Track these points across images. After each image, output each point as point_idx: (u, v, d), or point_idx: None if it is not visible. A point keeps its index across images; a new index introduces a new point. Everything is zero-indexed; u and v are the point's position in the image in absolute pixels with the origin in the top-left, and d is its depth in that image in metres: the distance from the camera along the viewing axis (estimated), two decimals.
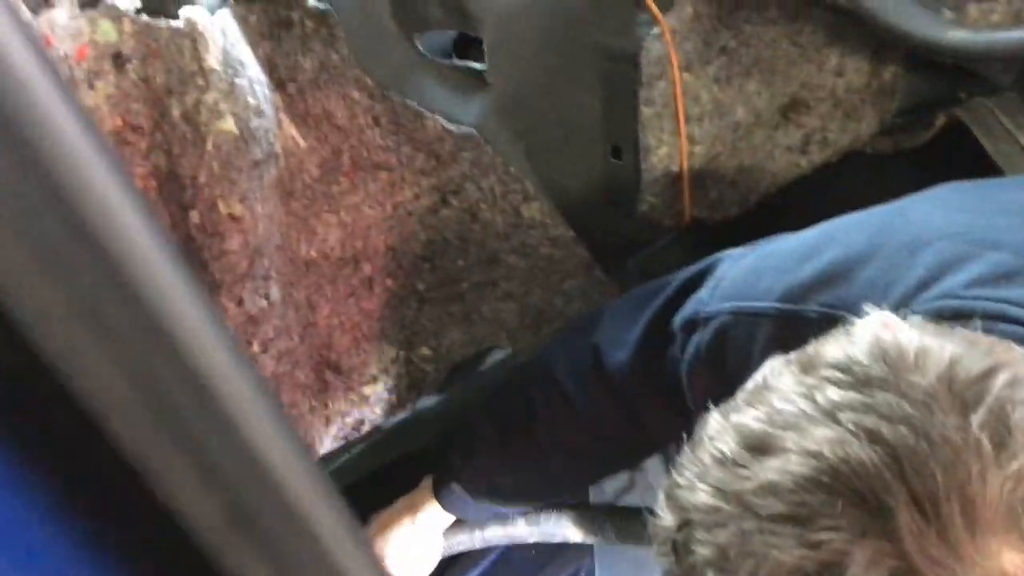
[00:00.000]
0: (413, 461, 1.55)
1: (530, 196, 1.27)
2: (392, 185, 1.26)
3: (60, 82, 0.24)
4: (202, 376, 0.27)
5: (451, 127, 1.16)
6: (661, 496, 0.62)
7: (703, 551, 0.57)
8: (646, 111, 1.37)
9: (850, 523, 0.53)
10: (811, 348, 0.62)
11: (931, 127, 1.83)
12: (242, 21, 1.02)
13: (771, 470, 0.55)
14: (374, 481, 1.53)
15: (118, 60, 0.92)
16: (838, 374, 0.58)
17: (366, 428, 1.30)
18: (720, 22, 1.39)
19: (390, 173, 1.24)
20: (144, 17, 0.91)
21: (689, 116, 1.44)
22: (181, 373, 0.26)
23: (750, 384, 0.63)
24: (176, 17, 0.91)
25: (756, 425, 0.58)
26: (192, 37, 0.91)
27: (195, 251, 1.02)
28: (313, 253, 1.23)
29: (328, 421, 1.25)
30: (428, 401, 1.54)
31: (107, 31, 0.90)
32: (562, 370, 1.11)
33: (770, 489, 0.55)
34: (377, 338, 1.32)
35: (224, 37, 0.94)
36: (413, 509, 1.27)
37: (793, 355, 0.63)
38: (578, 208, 1.50)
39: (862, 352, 0.58)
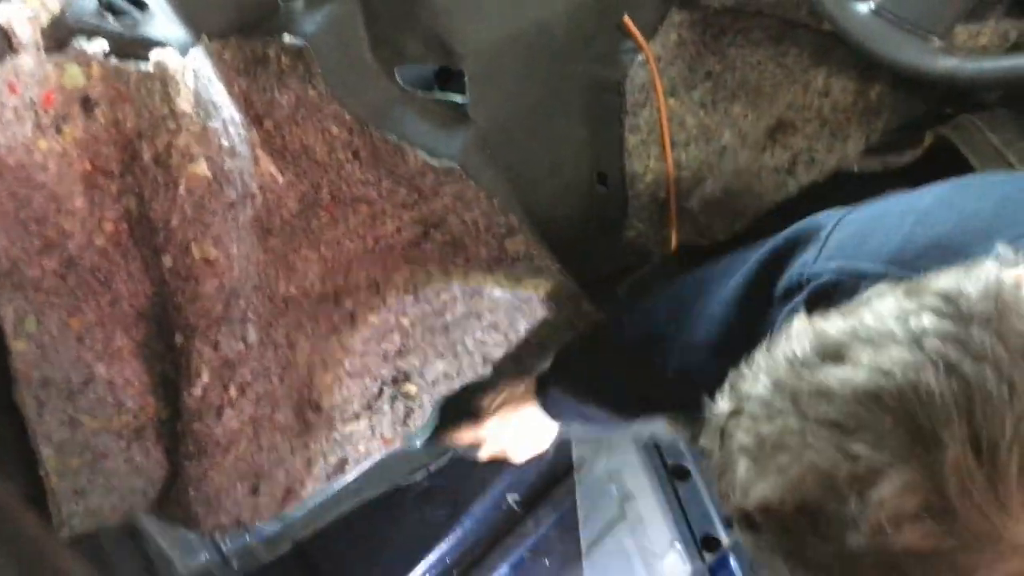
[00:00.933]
0: (406, 494, 1.54)
1: (514, 229, 1.24)
2: (373, 219, 1.23)
3: None
4: None
5: (433, 161, 1.13)
6: (725, 385, 0.62)
7: (744, 438, 0.57)
8: (631, 138, 1.35)
9: (895, 445, 0.51)
10: (924, 277, 0.60)
11: (918, 145, 1.81)
12: (216, 58, 0.99)
13: (834, 377, 0.55)
14: (363, 517, 1.50)
15: (86, 104, 0.90)
16: (940, 303, 0.56)
17: (350, 467, 1.27)
18: (705, 47, 1.37)
19: (371, 206, 1.21)
20: (113, 60, 0.88)
21: (675, 142, 1.42)
22: None
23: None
24: (146, 59, 0.89)
25: (836, 334, 0.57)
26: (163, 80, 0.88)
27: (169, 295, 1.00)
28: (293, 290, 1.20)
29: (310, 463, 1.22)
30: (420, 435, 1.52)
31: (75, 75, 0.87)
32: (648, 335, 1.13)
33: (826, 394, 0.54)
34: (360, 375, 1.29)
35: (196, 79, 0.91)
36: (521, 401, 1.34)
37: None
38: (564, 238, 1.47)
39: (976, 288, 0.56)
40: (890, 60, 1.02)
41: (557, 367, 1.33)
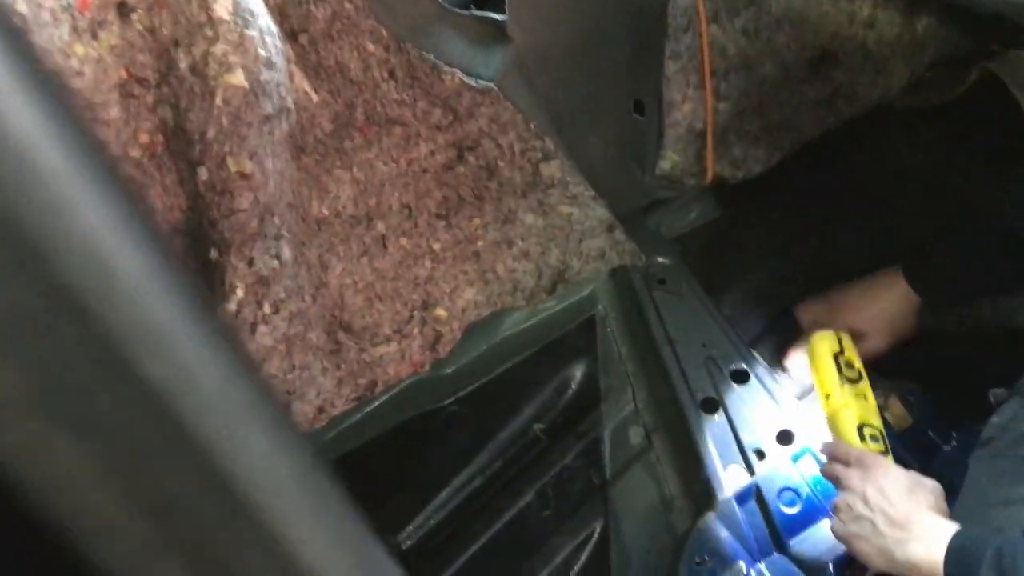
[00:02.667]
0: (433, 419, 1.54)
1: (550, 154, 1.23)
2: (407, 141, 1.22)
3: None
4: None
5: (470, 81, 1.12)
6: None
7: None
8: (671, 65, 1.32)
9: None
10: None
11: (963, 82, 1.77)
12: None
13: None
14: (391, 440, 1.52)
15: (123, 9, 0.88)
16: None
17: (379, 389, 1.28)
18: None
19: (405, 128, 1.20)
20: None
21: (715, 70, 1.39)
22: None
23: None
24: None
25: None
26: None
27: (204, 209, 0.99)
28: (325, 211, 1.20)
29: (340, 383, 1.22)
30: (447, 361, 1.53)
31: None
32: None
33: None
34: (391, 298, 1.29)
35: None
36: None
37: None
38: (599, 166, 1.45)
39: None
40: None
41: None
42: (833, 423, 1.24)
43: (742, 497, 1.31)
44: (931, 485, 1.07)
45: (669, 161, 1.49)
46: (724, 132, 1.53)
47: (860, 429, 1.20)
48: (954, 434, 1.36)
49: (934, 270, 1.37)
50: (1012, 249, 1.27)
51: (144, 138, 0.97)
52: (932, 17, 1.62)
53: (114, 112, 0.94)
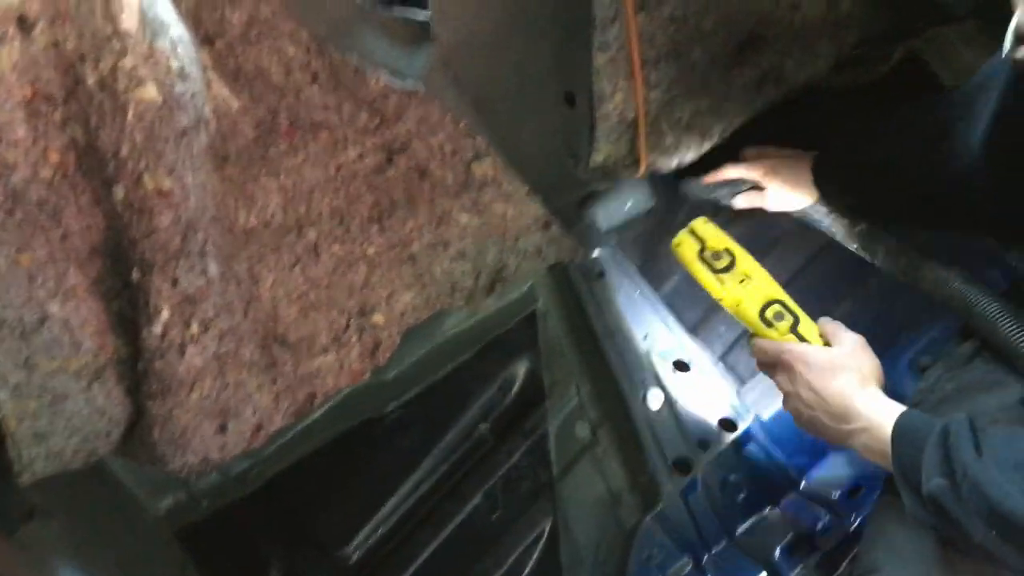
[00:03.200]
0: (377, 426, 1.52)
1: (482, 152, 1.20)
2: (334, 145, 1.18)
3: None
4: None
5: (395, 82, 1.08)
6: None
7: None
8: (600, 56, 1.30)
9: None
10: None
11: (888, 60, 1.79)
12: None
13: None
14: (335, 451, 1.49)
15: (24, 24, 0.83)
16: None
17: (319, 401, 1.24)
18: None
19: (331, 132, 1.16)
20: None
21: (645, 59, 1.37)
22: None
23: None
24: None
25: None
26: None
27: (123, 229, 0.95)
28: (253, 221, 1.15)
29: (278, 398, 1.19)
30: (388, 367, 1.50)
31: None
32: None
33: None
34: (326, 307, 1.26)
35: None
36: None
37: None
38: (532, 160, 1.43)
39: None
40: None
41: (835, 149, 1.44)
42: (739, 319, 1.22)
43: (687, 489, 1.32)
44: (850, 353, 1.10)
45: (602, 153, 1.48)
46: (656, 121, 1.52)
47: (762, 315, 1.18)
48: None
49: (826, 176, 1.44)
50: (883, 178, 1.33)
51: (54, 157, 0.92)
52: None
53: (21, 132, 0.89)
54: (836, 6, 1.61)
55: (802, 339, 1.16)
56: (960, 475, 0.89)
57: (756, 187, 1.50)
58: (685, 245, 1.22)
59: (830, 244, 1.74)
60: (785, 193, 1.48)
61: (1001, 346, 1.11)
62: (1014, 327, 1.09)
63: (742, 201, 1.53)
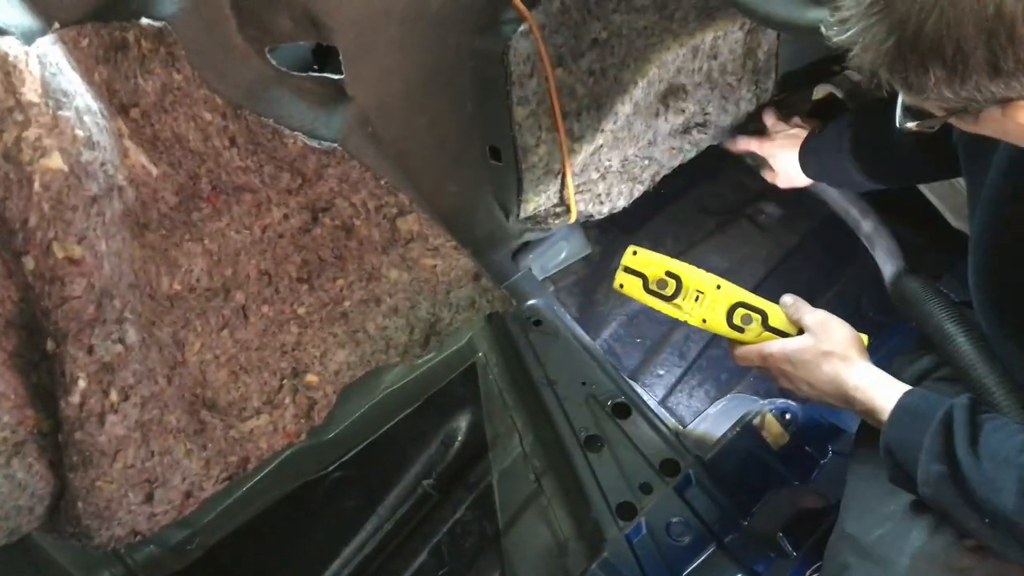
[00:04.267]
0: (317, 488, 1.50)
1: (405, 209, 1.21)
2: (258, 207, 1.18)
3: None
4: None
5: (313, 143, 1.10)
6: None
7: None
8: (520, 111, 1.33)
9: None
10: None
11: (807, 100, 1.84)
12: (72, 45, 0.94)
13: None
14: (273, 516, 1.46)
15: None
16: None
17: (253, 465, 1.23)
18: (589, 13, 1.36)
19: (255, 195, 1.17)
20: None
21: (566, 112, 1.41)
22: None
23: None
24: None
25: None
26: (4, 69, 0.82)
27: (35, 299, 0.94)
28: (177, 286, 1.15)
29: (208, 463, 1.17)
30: (326, 426, 1.49)
31: None
32: None
33: None
34: (257, 369, 1.25)
35: (43, 67, 0.85)
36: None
37: None
38: (461, 214, 1.45)
39: None
40: (763, 13, 1.02)
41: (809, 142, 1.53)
42: (711, 332, 1.22)
43: (632, 534, 1.31)
44: (822, 335, 1.13)
45: (532, 204, 1.50)
46: (584, 169, 1.55)
47: (730, 322, 1.19)
48: (831, 447, 1.40)
49: (809, 156, 1.54)
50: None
51: None
52: (772, 44, 1.69)
53: None
54: (753, 54, 1.67)
55: (778, 332, 1.18)
56: (956, 465, 0.92)
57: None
58: (628, 284, 1.22)
59: (760, 285, 1.79)
60: (789, 173, 1.59)
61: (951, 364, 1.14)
62: (964, 346, 1.12)
63: (767, 176, 1.66)
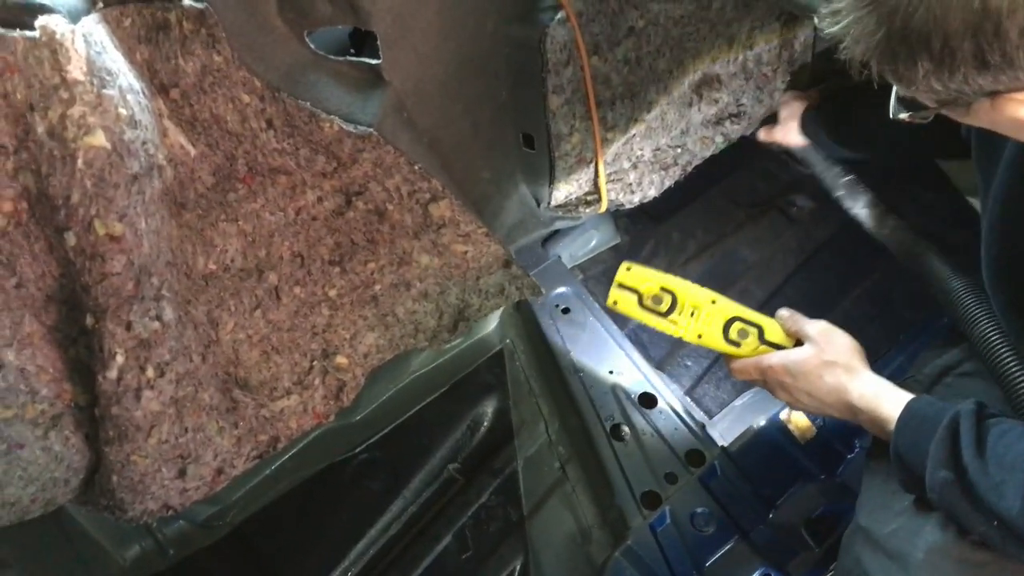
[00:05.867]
0: (344, 469, 1.51)
1: (438, 194, 1.22)
2: (293, 189, 1.19)
3: None
4: None
5: (349, 127, 1.10)
6: None
7: None
8: (555, 99, 1.33)
9: None
10: None
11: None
12: (115, 25, 0.95)
13: None
14: (301, 495, 1.48)
15: None
16: None
17: (282, 444, 1.24)
18: (627, 2, 1.35)
19: (290, 177, 1.18)
20: None
21: (600, 100, 1.41)
22: None
23: None
24: (32, 27, 0.84)
25: None
26: (51, 47, 0.84)
27: (76, 275, 0.96)
28: (212, 266, 1.16)
29: (239, 441, 1.18)
30: (355, 408, 1.50)
31: None
32: None
33: None
34: (288, 350, 1.26)
35: (88, 45, 0.86)
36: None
37: None
38: (491, 201, 1.45)
39: None
40: (804, 3, 1.01)
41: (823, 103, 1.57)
42: (707, 347, 1.21)
43: (656, 523, 1.32)
44: (823, 345, 1.11)
45: (563, 192, 1.50)
46: (616, 159, 1.55)
47: (727, 337, 1.18)
48: (857, 442, 1.39)
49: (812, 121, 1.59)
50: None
51: (7, 206, 0.93)
52: (808, 34, 1.68)
53: None
54: (789, 45, 1.66)
55: (774, 345, 1.17)
56: (963, 472, 0.91)
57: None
58: (622, 301, 1.20)
59: (790, 278, 1.77)
60: (787, 126, 1.64)
61: (978, 348, 1.13)
62: (991, 335, 1.11)
63: (763, 135, 1.71)
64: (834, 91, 1.63)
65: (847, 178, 1.61)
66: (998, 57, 0.67)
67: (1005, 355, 1.07)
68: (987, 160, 1.00)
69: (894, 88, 0.82)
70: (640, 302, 1.19)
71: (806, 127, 1.59)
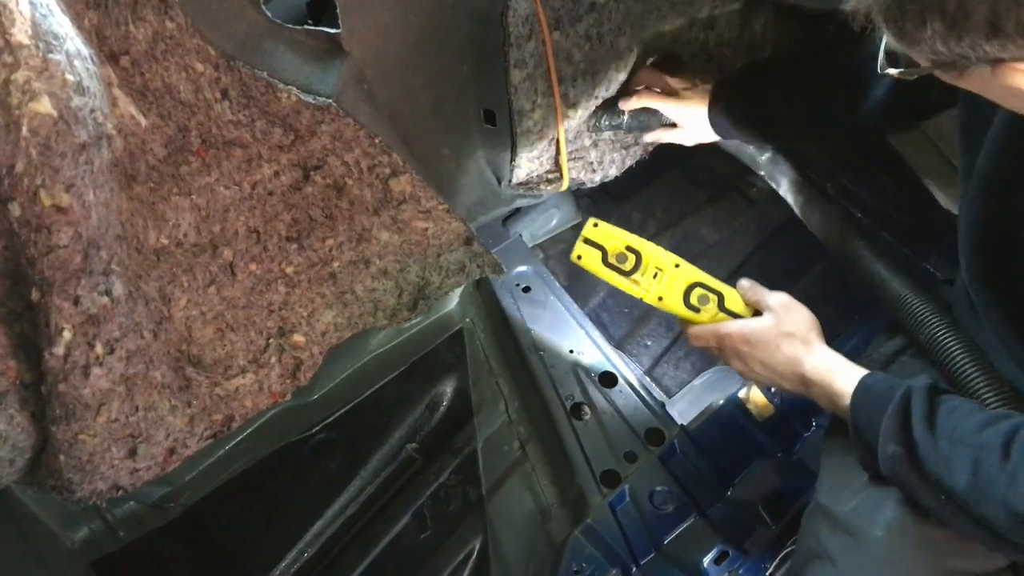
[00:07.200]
0: (301, 448, 1.49)
1: (398, 169, 1.20)
2: (248, 162, 1.16)
3: None
4: None
5: (307, 98, 1.08)
6: None
7: None
8: (517, 73, 1.31)
9: None
10: None
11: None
12: None
13: None
14: (257, 475, 1.46)
15: None
16: None
17: (237, 424, 1.22)
18: None
19: (245, 150, 1.14)
20: None
21: (562, 77, 1.39)
22: None
23: None
24: None
25: None
26: None
27: (21, 248, 0.92)
28: (164, 240, 1.13)
29: (192, 420, 1.16)
30: (311, 387, 1.48)
31: None
32: None
33: None
34: (243, 327, 1.23)
35: (33, 7, 0.82)
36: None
37: None
38: (453, 177, 1.44)
39: None
40: None
41: (724, 88, 1.44)
42: (665, 311, 1.21)
43: (615, 501, 1.32)
44: (783, 316, 1.12)
45: (525, 169, 1.49)
46: (578, 136, 1.54)
47: (687, 302, 1.18)
48: (814, 420, 1.40)
49: (721, 111, 1.46)
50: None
51: None
52: (768, 17, 1.68)
53: None
54: (749, 26, 1.66)
55: (732, 314, 1.18)
56: (913, 447, 0.93)
57: (670, 124, 1.52)
58: (586, 256, 1.20)
59: (749, 258, 1.79)
60: (697, 127, 1.49)
61: (923, 345, 1.15)
62: (938, 329, 1.12)
63: (654, 137, 1.56)
64: (733, 84, 1.49)
65: (765, 155, 1.60)
66: (1012, 25, 0.66)
67: (953, 349, 1.08)
68: (972, 136, 1.01)
69: (883, 41, 0.81)
70: (604, 259, 1.19)
71: (717, 126, 1.48)
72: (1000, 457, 0.86)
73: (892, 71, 0.82)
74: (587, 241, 1.20)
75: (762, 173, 1.67)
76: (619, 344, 1.64)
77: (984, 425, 0.90)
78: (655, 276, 1.18)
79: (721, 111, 1.43)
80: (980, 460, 0.87)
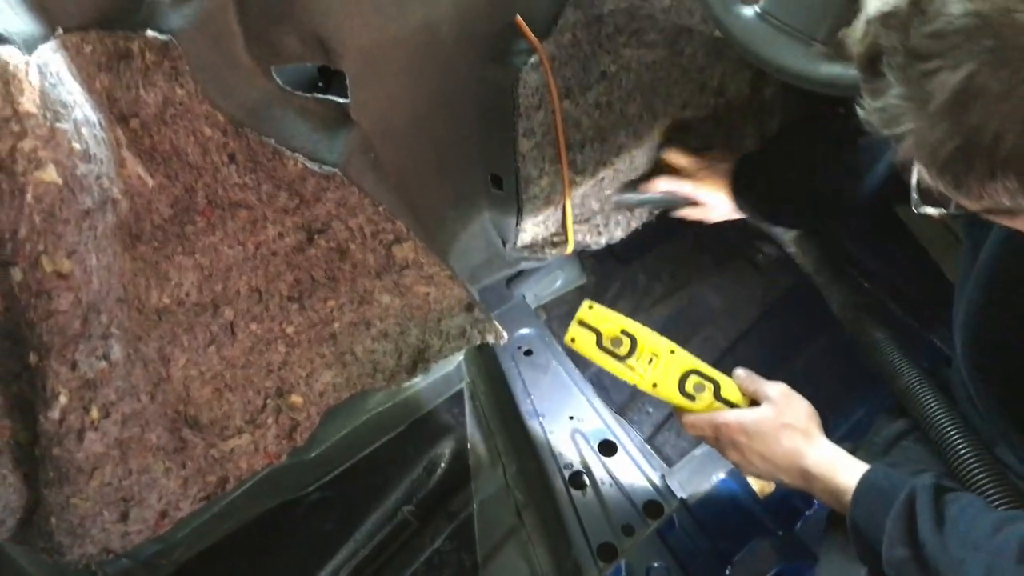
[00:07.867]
0: (295, 508, 1.48)
1: (402, 236, 1.20)
2: (253, 223, 1.16)
3: None
4: None
5: (313, 166, 1.08)
6: None
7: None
8: (525, 142, 1.32)
9: None
10: None
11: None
12: (75, 52, 0.92)
13: None
14: (250, 535, 1.44)
15: None
16: None
17: (231, 485, 1.20)
18: (600, 47, 1.35)
19: (250, 211, 1.15)
20: None
21: (570, 144, 1.40)
22: None
23: None
24: None
25: None
26: (3, 79, 0.81)
27: (20, 312, 0.92)
28: (166, 300, 1.13)
29: (187, 482, 1.15)
30: (308, 446, 1.47)
31: None
32: None
33: None
34: (241, 387, 1.23)
35: (42, 77, 0.83)
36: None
37: None
38: (457, 240, 1.44)
39: None
40: (776, 65, 1.01)
41: (739, 182, 1.47)
42: (660, 398, 1.19)
43: None
44: (782, 408, 1.10)
45: (530, 234, 1.49)
46: (584, 200, 1.54)
47: (682, 389, 1.16)
48: (815, 499, 1.38)
49: (743, 190, 1.48)
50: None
51: None
52: (778, 84, 1.69)
53: None
54: (759, 93, 1.66)
55: (728, 403, 1.15)
56: (920, 549, 0.90)
57: (692, 202, 1.54)
58: (580, 339, 1.18)
59: (754, 326, 1.77)
60: (720, 207, 1.52)
61: (924, 428, 1.13)
62: (936, 413, 1.11)
63: (681, 214, 1.58)
64: (751, 166, 1.50)
65: (795, 233, 1.61)
66: None
67: (957, 442, 1.07)
68: (977, 231, 1.00)
69: (914, 179, 0.77)
70: (599, 342, 1.17)
71: (741, 207, 1.49)
72: (1015, 561, 0.84)
73: (931, 211, 0.77)
74: (582, 324, 1.18)
75: (791, 250, 1.67)
76: (620, 410, 1.62)
77: (996, 529, 0.88)
78: (650, 362, 1.16)
79: (745, 202, 1.48)
80: (993, 567, 0.85)
